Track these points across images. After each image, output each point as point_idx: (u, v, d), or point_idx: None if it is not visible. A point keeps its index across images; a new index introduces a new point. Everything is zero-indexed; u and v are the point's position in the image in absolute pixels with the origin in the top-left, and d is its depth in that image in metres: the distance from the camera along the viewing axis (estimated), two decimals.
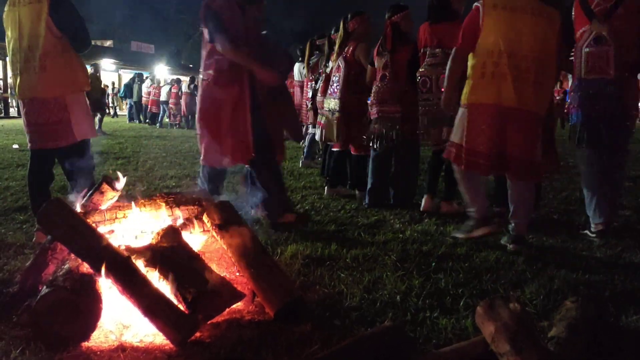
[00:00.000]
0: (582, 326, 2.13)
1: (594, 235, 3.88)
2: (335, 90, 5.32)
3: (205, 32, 3.92)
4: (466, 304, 2.62)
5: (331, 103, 5.38)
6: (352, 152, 5.48)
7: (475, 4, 3.60)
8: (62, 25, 3.57)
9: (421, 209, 4.69)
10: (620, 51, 3.65)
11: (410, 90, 4.76)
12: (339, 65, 5.34)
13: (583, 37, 3.80)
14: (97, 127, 14.03)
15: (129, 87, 22.17)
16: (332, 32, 6.05)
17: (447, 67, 3.70)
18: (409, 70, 4.81)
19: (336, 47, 5.45)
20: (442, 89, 4.04)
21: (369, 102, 5.12)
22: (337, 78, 5.33)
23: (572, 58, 4.04)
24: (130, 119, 22.43)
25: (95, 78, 14.39)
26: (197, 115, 4.13)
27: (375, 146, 4.95)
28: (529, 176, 3.54)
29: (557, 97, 19.31)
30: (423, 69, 4.61)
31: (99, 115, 14.32)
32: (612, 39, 3.66)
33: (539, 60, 3.38)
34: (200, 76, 4.07)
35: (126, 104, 24.49)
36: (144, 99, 20.95)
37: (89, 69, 13.67)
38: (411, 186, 5.15)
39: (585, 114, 3.84)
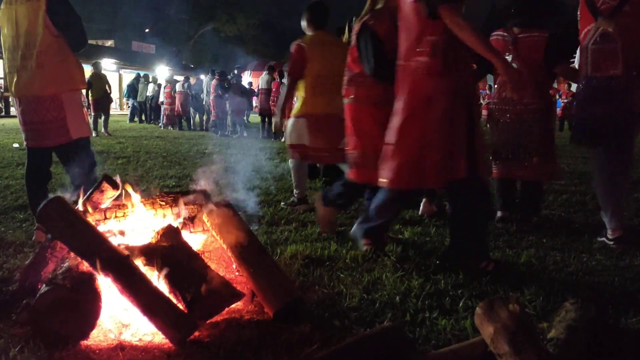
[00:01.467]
0: (581, 328, 2.13)
1: (611, 242, 3.77)
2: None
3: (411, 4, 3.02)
4: (465, 305, 2.62)
5: None
6: None
7: (297, 43, 4.67)
8: (59, 24, 3.56)
9: (420, 212, 4.69)
10: (627, 48, 3.57)
11: None
12: None
13: (588, 35, 3.72)
14: (102, 128, 14.01)
15: (132, 87, 21.99)
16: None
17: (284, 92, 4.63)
18: None
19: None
20: None
21: None
22: None
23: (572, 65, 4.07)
24: (131, 119, 22.34)
25: (99, 78, 14.22)
26: (396, 121, 3.16)
27: None
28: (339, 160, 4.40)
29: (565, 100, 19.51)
30: None
31: (102, 116, 14.23)
32: (619, 36, 3.57)
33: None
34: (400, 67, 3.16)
35: (128, 104, 24.37)
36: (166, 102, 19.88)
37: (89, 69, 13.56)
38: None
39: (589, 112, 3.77)
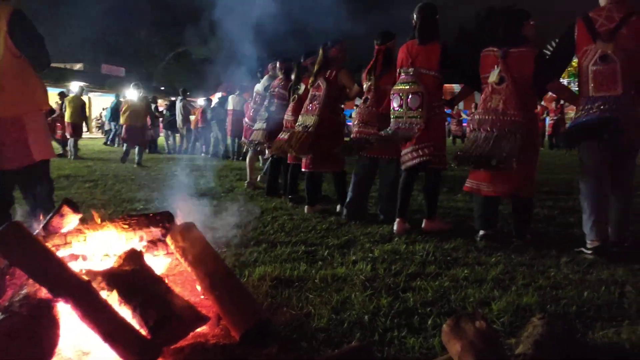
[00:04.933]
0: (548, 343, 2.13)
1: (589, 252, 3.88)
2: (315, 107, 5.54)
3: None
4: (434, 323, 2.61)
5: (307, 119, 5.56)
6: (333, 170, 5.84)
7: None
8: (21, 45, 3.51)
9: (394, 232, 4.68)
10: (625, 69, 3.73)
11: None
12: (319, 85, 5.60)
13: (588, 56, 3.87)
14: (73, 151, 13.82)
15: (115, 109, 21.52)
16: (302, 58, 6.33)
17: None
18: None
19: (315, 71, 5.74)
20: (412, 108, 4.45)
21: (348, 123, 5.33)
22: (317, 96, 5.58)
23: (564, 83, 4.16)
24: (108, 142, 21.86)
25: (77, 99, 14.22)
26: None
27: (357, 166, 5.33)
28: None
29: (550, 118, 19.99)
30: (395, 88, 4.70)
31: (72, 139, 14.02)
32: (618, 57, 3.73)
33: None
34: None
35: (107, 127, 23.87)
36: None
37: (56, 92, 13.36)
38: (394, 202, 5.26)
39: (586, 123, 3.83)
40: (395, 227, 4.74)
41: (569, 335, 2.33)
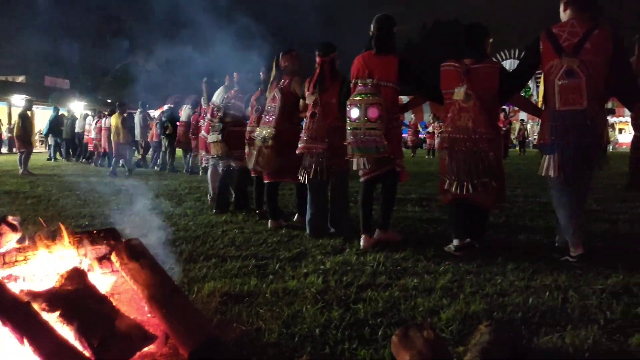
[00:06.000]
0: (495, 350, 2.17)
1: (574, 259, 3.96)
2: (271, 119, 5.51)
3: None
4: (385, 334, 2.62)
5: (264, 131, 5.51)
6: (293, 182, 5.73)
7: None
8: None
9: (361, 247, 4.62)
10: (590, 83, 3.85)
11: (341, 126, 4.83)
12: (274, 96, 5.59)
13: (553, 71, 3.97)
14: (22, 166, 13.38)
15: (54, 123, 20.79)
16: (262, 70, 6.31)
17: None
18: (339, 106, 4.94)
19: (270, 82, 5.78)
20: (371, 119, 4.41)
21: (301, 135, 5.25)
22: (272, 108, 5.57)
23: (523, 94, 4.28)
24: (54, 157, 21.17)
25: (23, 113, 13.98)
26: None
27: (304, 179, 5.16)
28: None
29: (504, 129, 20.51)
30: (353, 98, 4.63)
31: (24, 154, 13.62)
32: (583, 72, 3.84)
33: None
34: None
35: (46, 141, 23.10)
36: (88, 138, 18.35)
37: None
38: (346, 215, 5.32)
39: (562, 145, 3.95)
40: (362, 243, 4.67)
41: (515, 341, 2.38)
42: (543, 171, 4.04)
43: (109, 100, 35.25)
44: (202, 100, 8.46)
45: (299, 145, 5.15)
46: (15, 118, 14.17)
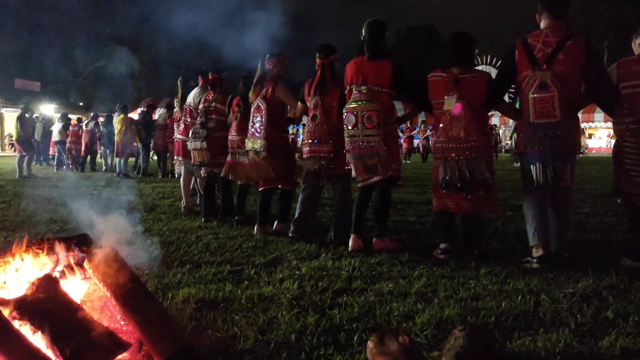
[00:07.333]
0: (469, 354, 2.20)
1: (534, 260, 4.09)
2: (259, 130, 5.42)
3: None
4: (360, 339, 2.63)
5: (256, 143, 5.43)
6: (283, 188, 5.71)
7: None
8: None
9: (349, 249, 4.65)
10: (563, 95, 3.92)
11: (342, 128, 4.79)
12: (259, 106, 5.48)
13: (528, 83, 4.05)
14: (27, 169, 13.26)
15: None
16: (243, 74, 6.18)
17: None
18: (340, 109, 4.89)
19: (253, 86, 5.65)
20: (368, 126, 4.44)
21: (298, 139, 5.23)
22: (259, 118, 5.45)
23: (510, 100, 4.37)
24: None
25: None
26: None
27: (305, 183, 5.16)
28: None
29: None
30: (349, 106, 4.62)
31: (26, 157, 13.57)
32: (555, 85, 3.91)
33: None
34: None
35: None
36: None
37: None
38: (349, 221, 5.19)
39: (541, 156, 4.06)
40: (350, 244, 4.68)
41: (488, 345, 2.41)
42: (535, 182, 4.14)
43: (80, 103, 34.81)
44: (174, 101, 8.19)
45: (304, 149, 5.13)
46: None
